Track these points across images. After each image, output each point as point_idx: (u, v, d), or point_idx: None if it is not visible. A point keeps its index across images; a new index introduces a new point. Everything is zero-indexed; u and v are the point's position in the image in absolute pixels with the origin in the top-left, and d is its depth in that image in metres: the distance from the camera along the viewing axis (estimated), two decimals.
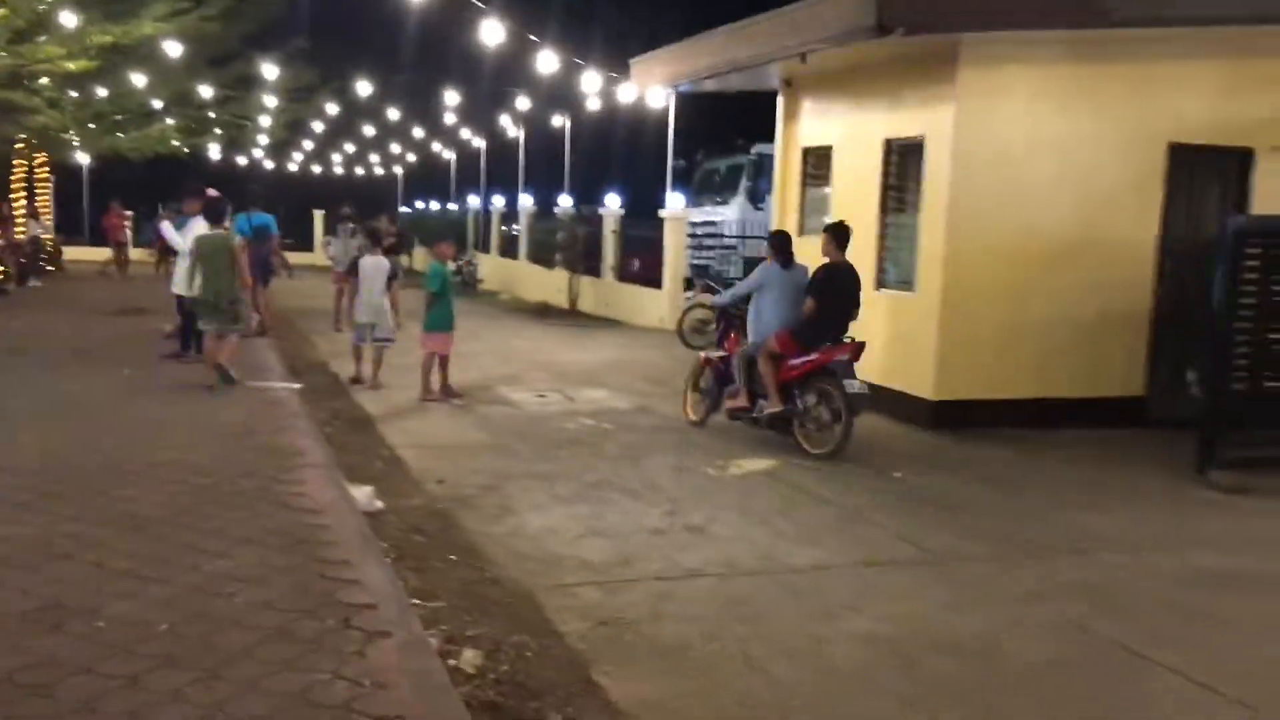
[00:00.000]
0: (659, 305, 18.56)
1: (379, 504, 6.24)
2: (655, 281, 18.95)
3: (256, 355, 11.77)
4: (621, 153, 29.18)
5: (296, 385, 9.91)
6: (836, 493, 7.20)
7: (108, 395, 9.01)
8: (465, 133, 32.10)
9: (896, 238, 10.28)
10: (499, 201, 30.26)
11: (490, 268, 27.72)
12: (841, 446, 8.12)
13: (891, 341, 9.96)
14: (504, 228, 31.09)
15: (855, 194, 10.68)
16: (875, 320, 9.65)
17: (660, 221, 18.81)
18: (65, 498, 5.74)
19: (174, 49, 15.72)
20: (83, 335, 13.07)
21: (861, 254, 9.54)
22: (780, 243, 9.02)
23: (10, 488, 5.90)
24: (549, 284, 22.95)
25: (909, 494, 7.30)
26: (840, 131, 11.25)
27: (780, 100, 12.35)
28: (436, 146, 36.05)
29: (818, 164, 11.78)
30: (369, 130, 34.21)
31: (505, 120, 28.10)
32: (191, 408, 8.62)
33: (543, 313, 20.85)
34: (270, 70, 21.90)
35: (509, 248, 29.18)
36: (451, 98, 27.03)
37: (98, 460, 6.67)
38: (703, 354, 9.67)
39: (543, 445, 8.41)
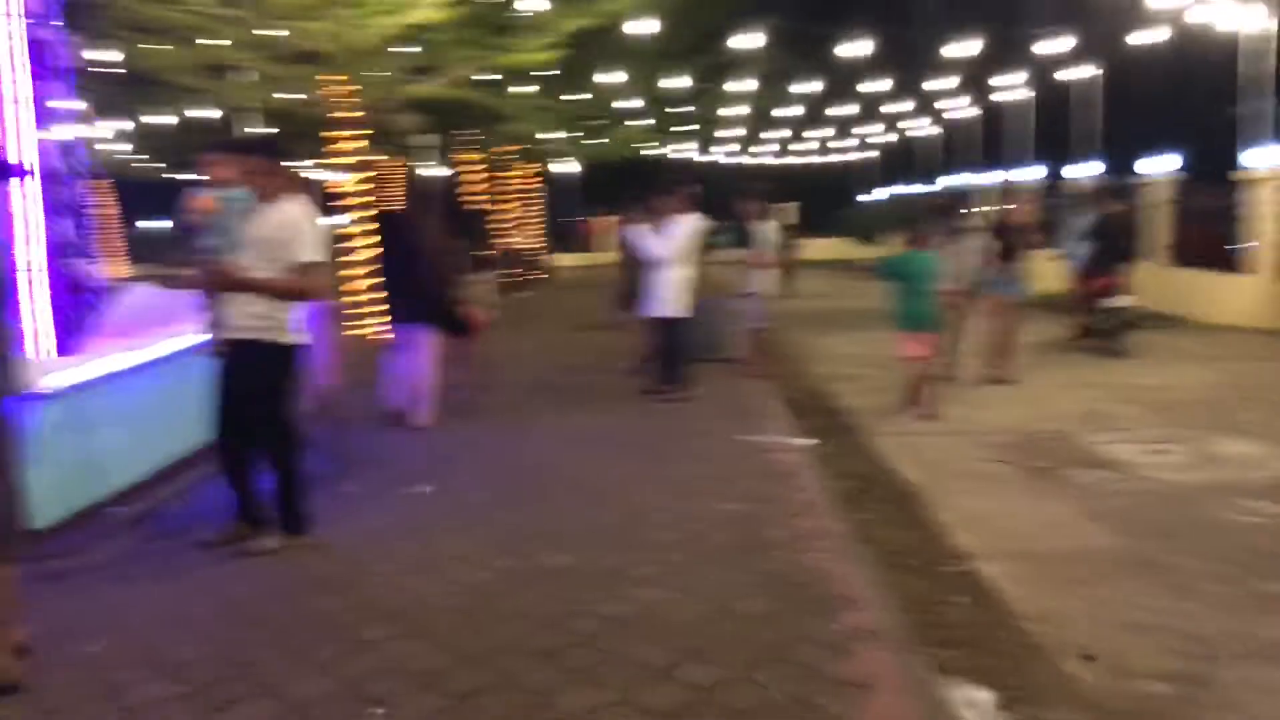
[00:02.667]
0: (1240, 295, 13.98)
1: None
2: (1221, 263, 14.59)
3: (743, 386, 9.47)
4: (1164, 106, 23.82)
5: (807, 442, 7.29)
6: None
7: (571, 454, 7.02)
8: (952, 102, 28.41)
9: None
10: (996, 178, 26.29)
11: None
12: None
13: None
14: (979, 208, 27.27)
15: None
16: None
17: (1231, 185, 14.40)
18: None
19: (648, 28, 13.90)
20: (556, 359, 11.63)
21: None
22: None
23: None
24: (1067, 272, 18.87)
25: None
26: None
27: None
28: (918, 121, 32.65)
29: None
30: (842, 111, 31.66)
31: (1005, 80, 24.10)
32: (681, 479, 6.31)
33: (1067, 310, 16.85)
34: (745, 50, 19.96)
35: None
36: (944, 57, 23.58)
37: (493, 611, 4.46)
38: None
39: (1224, 562, 5.01)
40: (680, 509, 5.60)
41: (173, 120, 25.26)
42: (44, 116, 5.93)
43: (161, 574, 4.78)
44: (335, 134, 12.10)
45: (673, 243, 8.65)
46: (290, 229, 4.84)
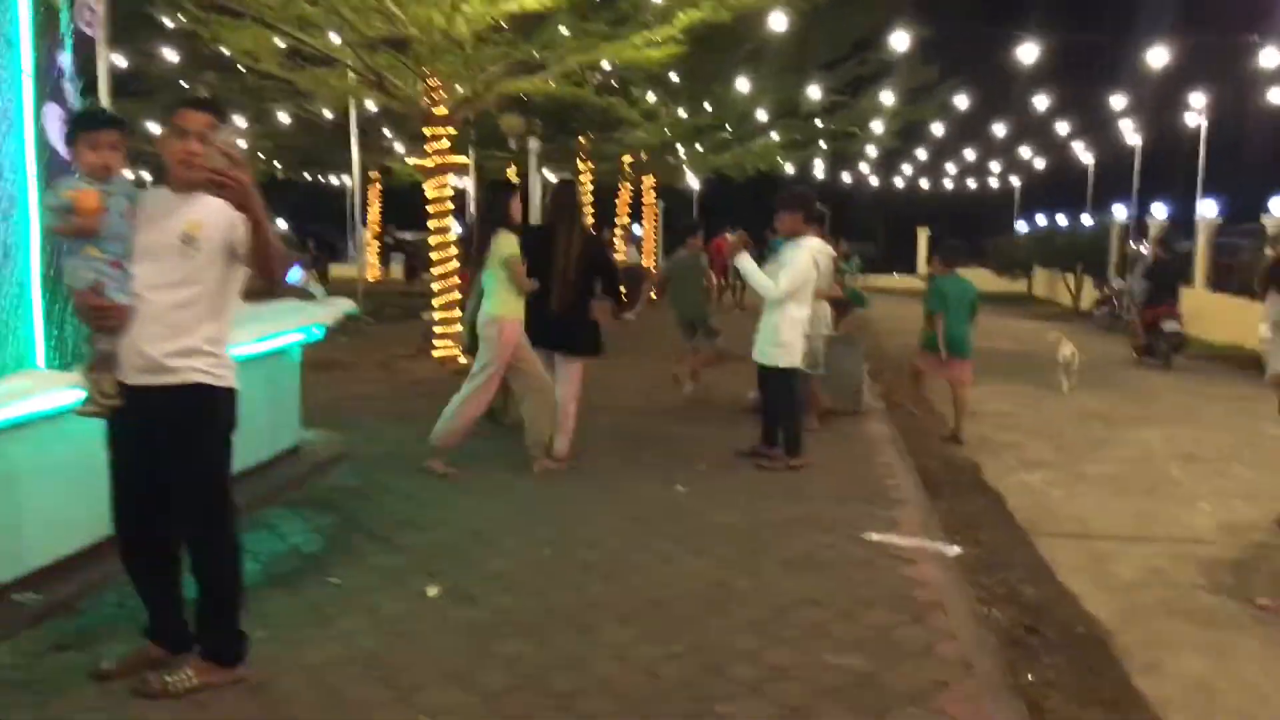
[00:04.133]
0: None
1: None
2: None
3: (871, 452, 7.70)
4: None
5: (952, 550, 5.47)
6: None
7: (634, 543, 5.39)
8: (1112, 127, 25.85)
9: None
10: (1161, 211, 23.68)
11: None
12: None
13: None
14: (1132, 244, 24.95)
15: None
16: None
17: None
18: None
19: (779, 23, 12.27)
20: (648, 398, 10.02)
21: None
22: None
23: None
24: (1246, 321, 16.41)
25: None
26: None
27: None
28: (1071, 147, 30.04)
29: None
30: (991, 133, 29.31)
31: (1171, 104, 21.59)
32: (781, 602, 4.63)
33: (1256, 365, 14.48)
34: (890, 57, 18.11)
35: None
36: (1104, 78, 21.28)
37: None
38: None
39: None
40: (773, 659, 3.91)
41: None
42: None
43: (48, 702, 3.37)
44: (432, 131, 10.84)
45: (784, 271, 6.93)
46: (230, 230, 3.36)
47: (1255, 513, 6.68)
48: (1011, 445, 8.65)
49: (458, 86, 10.68)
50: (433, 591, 4.47)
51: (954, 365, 8.69)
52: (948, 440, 8.65)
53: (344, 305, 7.05)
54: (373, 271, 28.43)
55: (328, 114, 19.38)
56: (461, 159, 11.26)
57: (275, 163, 32.76)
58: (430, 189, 11.05)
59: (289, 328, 6.53)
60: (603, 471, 6.84)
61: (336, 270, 17.59)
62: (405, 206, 29.77)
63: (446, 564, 4.83)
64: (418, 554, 4.99)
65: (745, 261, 6.99)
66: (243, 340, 5.74)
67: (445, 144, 10.80)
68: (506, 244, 6.47)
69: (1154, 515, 6.61)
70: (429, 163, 10.79)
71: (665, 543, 5.23)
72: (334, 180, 35.26)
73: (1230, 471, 7.84)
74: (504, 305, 6.46)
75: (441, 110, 10.74)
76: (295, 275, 6.76)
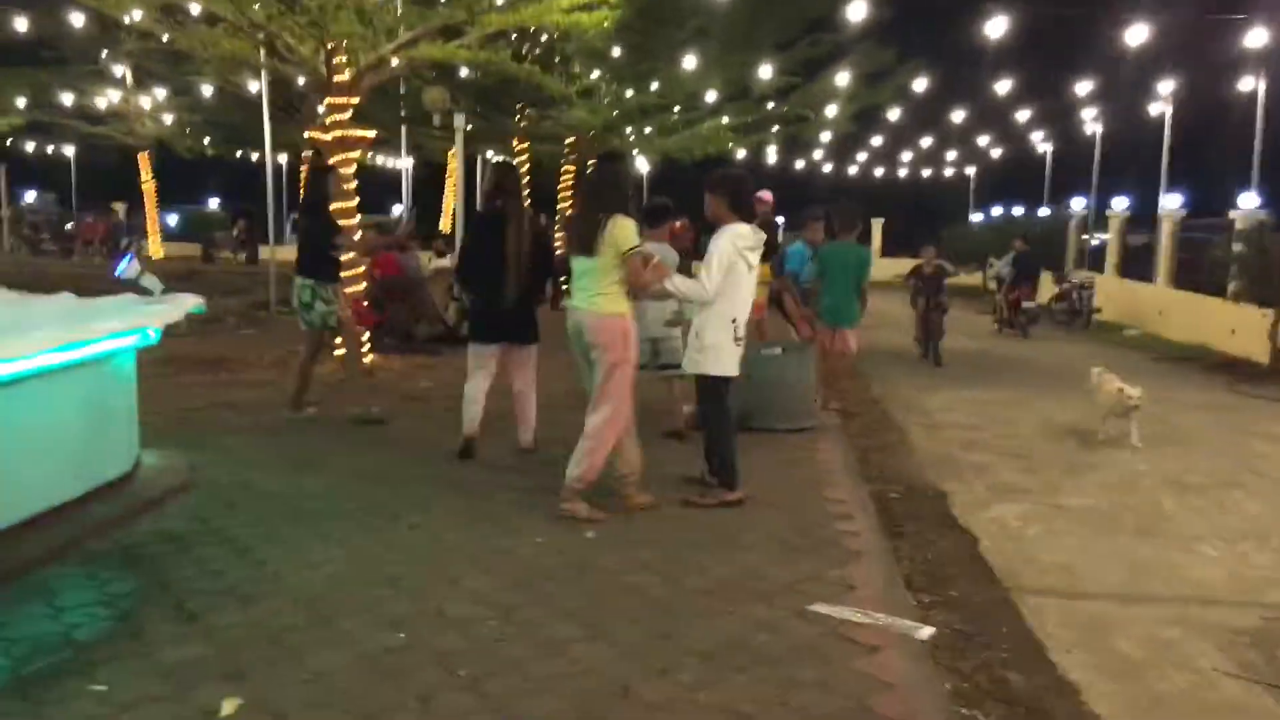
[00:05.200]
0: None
1: None
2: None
3: (818, 479, 6.60)
4: None
5: (923, 630, 4.35)
6: None
7: (516, 612, 4.25)
8: (1073, 116, 25.12)
9: None
10: (1120, 203, 22.95)
11: (1107, 293, 20.51)
12: None
13: None
14: (1085, 236, 25.40)
15: None
16: None
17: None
18: None
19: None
20: (564, 413, 8.84)
21: None
22: None
23: None
24: (1214, 321, 15.73)
25: None
26: None
27: None
28: (1029, 138, 29.28)
29: None
30: (949, 120, 28.44)
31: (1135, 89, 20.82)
32: (708, 711, 3.52)
33: (1226, 368, 13.71)
34: (844, 38, 17.05)
35: (1135, 265, 21.81)
36: (1066, 65, 20.42)
37: None
38: None
39: None
40: None
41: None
42: None
43: None
44: (331, 100, 9.55)
45: (706, 267, 5.76)
46: None
47: (1268, 559, 5.70)
48: (980, 468, 7.62)
49: (359, 52, 9.38)
50: (228, 709, 3.28)
51: (834, 334, 8.73)
52: (825, 410, 8.66)
53: (187, 302, 5.79)
54: None
55: (253, 87, 17.97)
56: (364, 133, 9.93)
57: (205, 139, 31.12)
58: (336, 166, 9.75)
59: (114, 330, 5.29)
60: (499, 503, 5.67)
61: (271, 252, 16.31)
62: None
63: (259, 659, 3.63)
64: (228, 642, 3.77)
65: (675, 283, 5.81)
66: (30, 350, 4.53)
67: (345, 116, 9.50)
68: (627, 233, 5.42)
69: (1151, 564, 5.59)
70: (327, 136, 9.49)
71: (556, 620, 4.07)
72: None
73: (1231, 503, 6.85)
74: (619, 301, 5.46)
75: (342, 77, 9.45)
76: (126, 267, 5.50)
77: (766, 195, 10.37)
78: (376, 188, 28.83)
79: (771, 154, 29.56)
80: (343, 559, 4.70)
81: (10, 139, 30.69)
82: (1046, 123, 27.55)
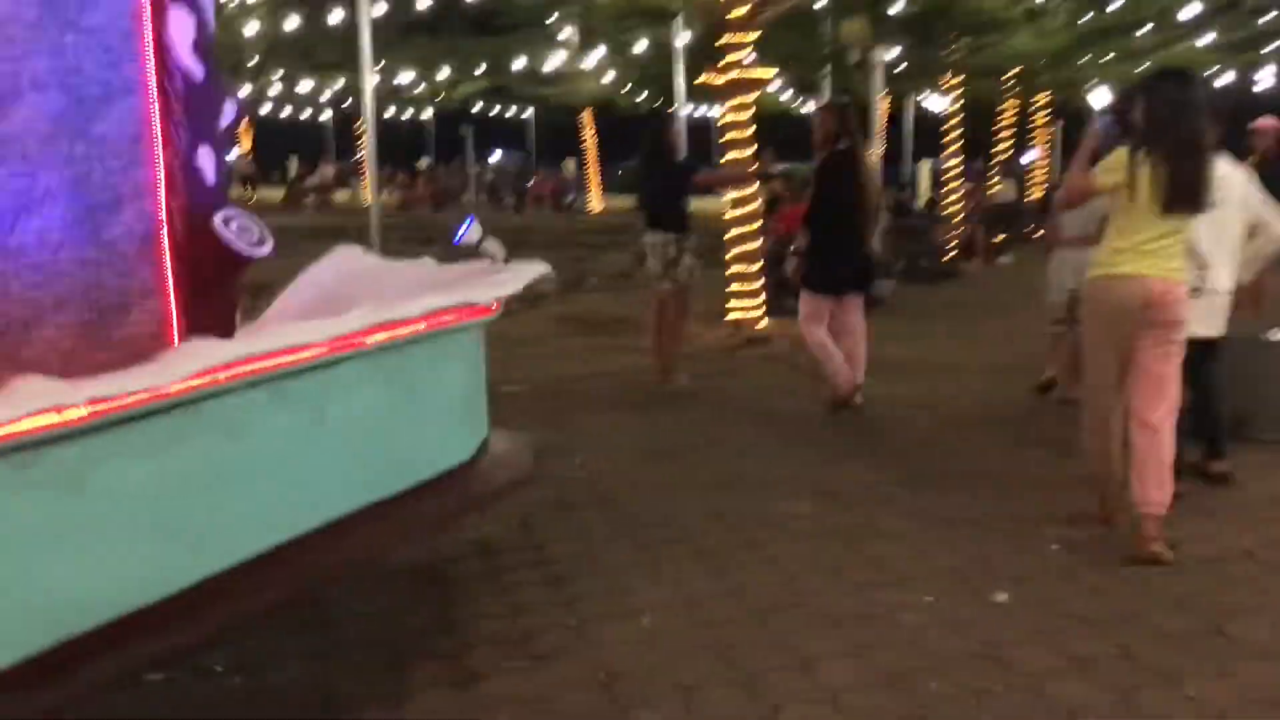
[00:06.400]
0: None
1: None
2: None
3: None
4: None
5: None
6: None
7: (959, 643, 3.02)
8: None
9: None
10: None
11: None
12: None
13: None
14: None
15: None
16: None
17: None
18: None
19: None
20: (985, 386, 7.28)
21: None
22: None
23: None
24: None
25: None
26: None
27: None
28: None
29: None
30: None
31: None
32: None
33: None
34: None
35: None
36: None
37: None
38: None
39: None
40: None
41: None
42: None
43: None
44: (729, 38, 8.60)
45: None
46: None
47: None
48: None
49: None
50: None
51: None
52: None
53: (529, 272, 5.09)
54: None
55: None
56: (761, 73, 8.91)
57: (640, 95, 32.10)
58: (729, 113, 8.85)
59: (451, 303, 4.70)
60: (885, 530, 4.45)
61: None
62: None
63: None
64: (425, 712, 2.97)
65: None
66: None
67: (742, 55, 8.51)
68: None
69: None
70: (720, 80, 8.58)
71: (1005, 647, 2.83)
72: None
73: None
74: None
75: (739, 11, 8.45)
76: (465, 232, 4.90)
77: (1271, 122, 8.01)
78: (802, 134, 27.94)
79: (1268, 76, 24.66)
80: (669, 607, 3.75)
81: (477, 104, 33.70)
82: None
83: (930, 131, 20.00)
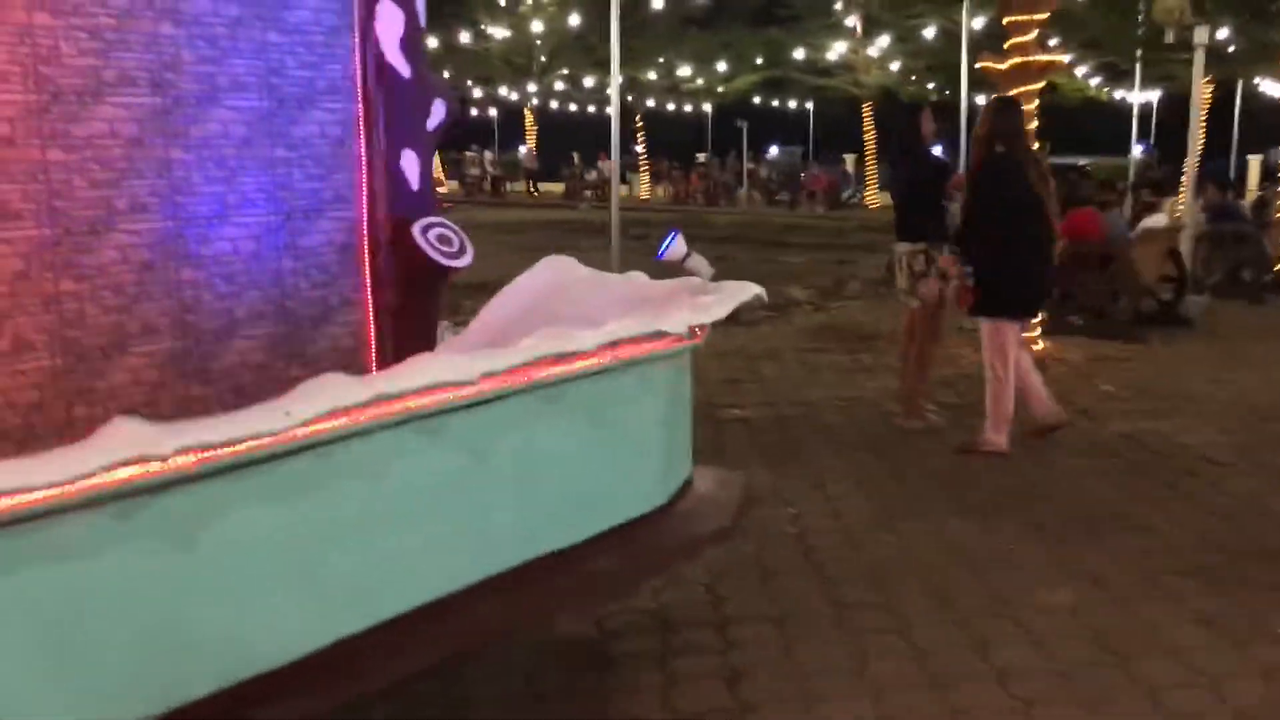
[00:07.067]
0: None
1: None
2: None
3: None
4: None
5: None
6: None
7: None
8: None
9: None
10: None
11: None
12: None
13: None
14: None
15: None
16: None
17: None
18: None
19: None
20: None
21: None
22: None
23: None
24: None
25: None
26: None
27: None
28: None
29: None
30: None
31: None
32: None
33: None
34: None
35: None
36: None
37: None
38: None
39: None
40: None
41: None
42: None
43: None
44: (1012, 18, 7.52)
45: None
46: None
47: None
48: None
49: None
50: None
51: None
52: None
53: (741, 293, 4.41)
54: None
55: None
56: (1051, 58, 7.72)
57: (928, 84, 30.35)
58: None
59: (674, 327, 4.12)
60: (1170, 641, 3.45)
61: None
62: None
63: None
64: None
65: None
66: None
67: (1028, 37, 7.37)
68: None
69: None
70: (1002, 64, 7.48)
71: None
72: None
73: None
74: None
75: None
76: (670, 247, 4.33)
77: None
78: (1113, 126, 25.45)
79: None
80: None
81: (754, 97, 33.24)
82: None
83: (1264, 122, 17.43)
